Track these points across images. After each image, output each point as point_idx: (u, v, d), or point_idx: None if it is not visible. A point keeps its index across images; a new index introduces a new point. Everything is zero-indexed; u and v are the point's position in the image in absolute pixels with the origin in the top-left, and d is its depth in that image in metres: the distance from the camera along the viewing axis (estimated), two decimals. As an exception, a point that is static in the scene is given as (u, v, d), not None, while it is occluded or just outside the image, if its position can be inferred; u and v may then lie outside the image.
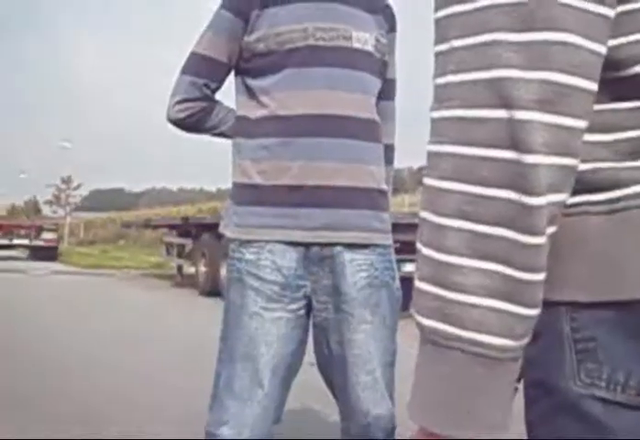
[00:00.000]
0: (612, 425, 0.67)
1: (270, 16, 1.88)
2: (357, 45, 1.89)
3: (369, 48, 1.92)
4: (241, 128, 1.96)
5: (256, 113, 1.91)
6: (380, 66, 1.97)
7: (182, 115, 2.01)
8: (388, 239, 1.96)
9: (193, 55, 1.99)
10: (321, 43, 1.87)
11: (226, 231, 1.95)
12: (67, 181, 50.42)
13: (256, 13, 1.88)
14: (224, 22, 1.93)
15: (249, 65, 1.92)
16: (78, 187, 51.21)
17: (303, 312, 1.88)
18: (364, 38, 1.91)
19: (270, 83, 1.89)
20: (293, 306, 1.85)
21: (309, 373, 1.99)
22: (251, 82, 1.93)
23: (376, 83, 1.96)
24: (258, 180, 1.89)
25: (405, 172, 53.04)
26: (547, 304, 0.70)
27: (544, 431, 0.73)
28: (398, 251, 2.04)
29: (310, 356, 1.94)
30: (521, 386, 0.77)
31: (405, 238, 7.02)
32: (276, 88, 1.88)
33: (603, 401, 0.68)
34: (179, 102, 2.00)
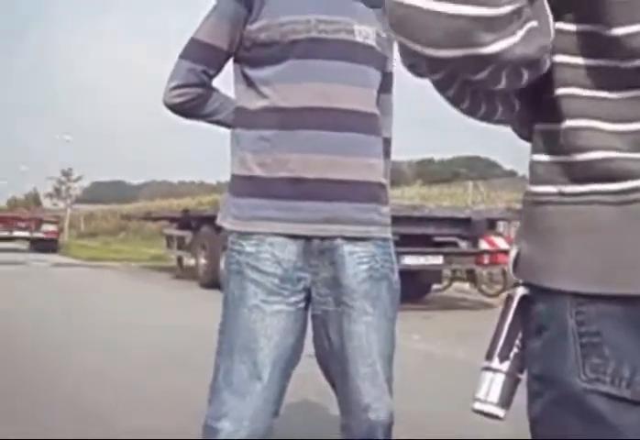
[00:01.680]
0: (616, 421, 0.66)
1: (274, 6, 1.86)
2: (359, 38, 1.89)
3: (371, 41, 1.91)
4: (241, 119, 1.94)
5: (256, 103, 1.90)
6: (380, 60, 1.96)
7: (177, 101, 1.99)
8: (387, 232, 1.95)
9: (194, 41, 1.97)
10: (323, 36, 1.86)
11: (225, 223, 1.94)
12: (67, 173, 50.31)
13: (260, 1, 1.86)
14: (226, 9, 1.91)
15: (250, 54, 1.90)
16: (78, 179, 51.11)
17: (302, 304, 1.87)
18: (366, 32, 1.90)
19: (271, 74, 1.87)
20: (293, 299, 1.84)
21: (308, 366, 1.98)
22: (250, 72, 1.91)
23: (377, 77, 1.95)
24: (258, 172, 1.87)
25: (405, 165, 52.98)
26: (552, 294, 0.68)
27: (547, 425, 0.72)
28: (397, 244, 2.03)
29: (308, 348, 1.93)
30: (524, 380, 0.76)
31: (404, 231, 7.06)
32: (277, 79, 1.86)
33: (608, 396, 0.67)
34: (175, 87, 1.98)
